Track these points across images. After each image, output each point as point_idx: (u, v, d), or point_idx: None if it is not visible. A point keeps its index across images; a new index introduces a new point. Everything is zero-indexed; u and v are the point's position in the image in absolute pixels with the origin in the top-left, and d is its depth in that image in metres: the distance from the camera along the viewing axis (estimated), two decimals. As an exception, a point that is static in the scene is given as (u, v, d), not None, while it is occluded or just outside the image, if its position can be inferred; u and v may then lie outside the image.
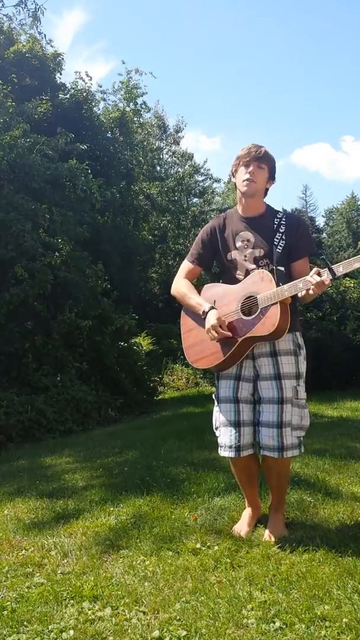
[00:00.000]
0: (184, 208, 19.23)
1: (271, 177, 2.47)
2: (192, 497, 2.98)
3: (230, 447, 2.39)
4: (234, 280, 2.45)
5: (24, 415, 6.37)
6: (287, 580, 1.97)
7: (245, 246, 2.43)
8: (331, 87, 70.02)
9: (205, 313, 2.40)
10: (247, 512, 2.54)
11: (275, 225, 2.42)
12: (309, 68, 70.44)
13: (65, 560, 2.32)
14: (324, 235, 36.09)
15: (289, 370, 2.34)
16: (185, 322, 2.58)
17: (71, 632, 1.75)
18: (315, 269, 2.20)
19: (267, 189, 2.49)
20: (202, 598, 1.90)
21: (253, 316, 2.30)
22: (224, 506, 2.79)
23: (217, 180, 21.81)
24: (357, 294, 8.93)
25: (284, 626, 1.70)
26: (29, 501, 3.24)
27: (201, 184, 21.63)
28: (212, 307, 2.40)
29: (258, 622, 1.73)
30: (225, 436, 2.41)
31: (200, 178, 21.70)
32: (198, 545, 2.32)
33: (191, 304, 2.50)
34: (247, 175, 2.39)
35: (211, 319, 2.34)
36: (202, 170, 21.79)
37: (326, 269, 2.16)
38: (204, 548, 2.31)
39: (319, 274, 2.17)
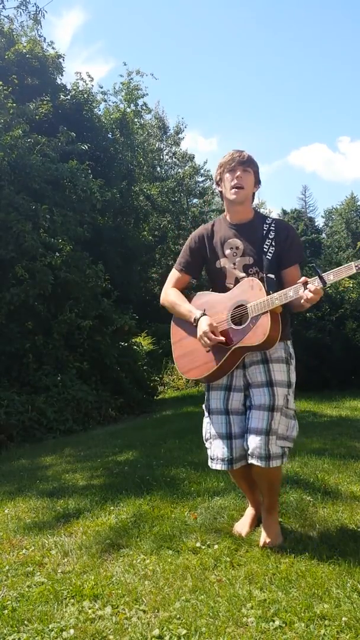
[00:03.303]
0: (184, 208, 19.24)
1: (257, 182, 2.42)
2: (192, 496, 2.99)
3: (223, 460, 2.33)
4: (224, 289, 2.37)
5: (24, 415, 6.39)
6: (286, 579, 1.98)
7: (234, 254, 2.36)
8: (327, 88, 70.16)
9: (196, 320, 2.32)
10: (249, 512, 2.55)
11: (264, 232, 2.34)
12: (305, 69, 70.54)
13: (66, 560, 2.33)
14: (323, 235, 36.08)
15: (280, 377, 2.28)
16: (176, 331, 2.50)
17: (72, 631, 1.76)
18: (303, 278, 2.13)
19: (253, 194, 2.44)
20: (202, 597, 1.91)
21: (243, 325, 2.23)
22: (223, 505, 2.79)
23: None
24: (356, 294, 8.94)
25: (284, 625, 1.71)
26: (30, 500, 3.25)
27: (201, 184, 21.66)
28: (204, 314, 2.32)
29: (258, 620, 1.73)
30: (217, 449, 2.34)
31: (200, 179, 21.74)
32: (198, 544, 2.33)
33: (182, 312, 2.42)
34: (235, 181, 2.32)
35: (203, 326, 2.27)
36: (202, 171, 21.83)
37: (316, 277, 2.09)
38: (203, 547, 2.32)
39: (307, 283, 2.09)
